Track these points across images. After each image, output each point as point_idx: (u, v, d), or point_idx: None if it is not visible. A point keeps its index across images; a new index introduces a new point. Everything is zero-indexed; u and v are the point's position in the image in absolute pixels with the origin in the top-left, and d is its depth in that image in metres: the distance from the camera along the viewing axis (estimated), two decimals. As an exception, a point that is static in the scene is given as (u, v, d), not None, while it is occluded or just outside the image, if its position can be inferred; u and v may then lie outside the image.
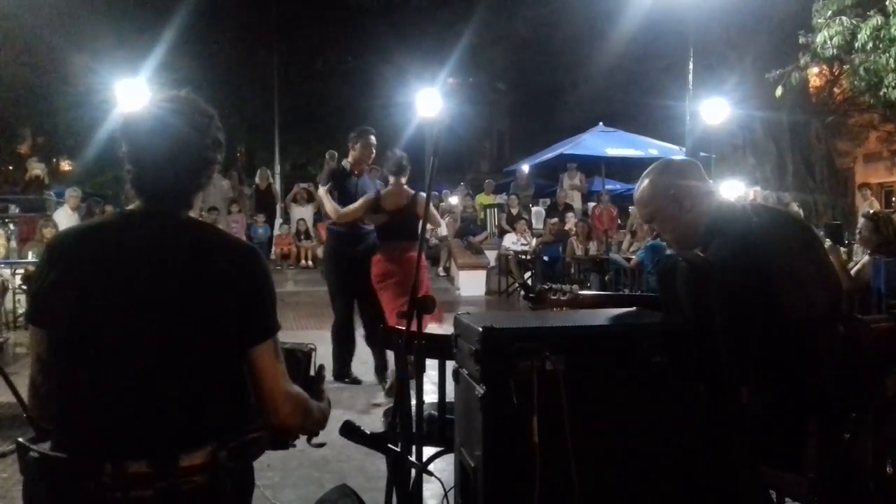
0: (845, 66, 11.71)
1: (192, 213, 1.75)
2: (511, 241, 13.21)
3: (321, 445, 1.98)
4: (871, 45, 9.71)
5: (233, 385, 1.65)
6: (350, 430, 2.14)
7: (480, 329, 1.89)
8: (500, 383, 1.84)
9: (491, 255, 13.75)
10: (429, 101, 14.47)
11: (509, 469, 1.86)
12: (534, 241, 13.14)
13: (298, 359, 1.94)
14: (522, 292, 2.76)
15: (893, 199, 20.44)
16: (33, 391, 1.66)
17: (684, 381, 1.96)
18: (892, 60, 9.85)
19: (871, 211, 6.98)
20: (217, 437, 1.57)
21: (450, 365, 2.32)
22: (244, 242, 1.80)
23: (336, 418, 1.96)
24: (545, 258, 12.48)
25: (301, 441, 1.94)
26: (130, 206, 1.71)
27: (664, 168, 2.51)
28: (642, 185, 2.50)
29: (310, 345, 2.00)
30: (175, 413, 1.57)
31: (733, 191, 13.41)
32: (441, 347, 2.43)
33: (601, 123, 15.01)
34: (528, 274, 12.64)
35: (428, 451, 2.78)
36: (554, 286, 2.78)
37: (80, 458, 1.51)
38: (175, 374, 1.57)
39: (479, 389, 1.89)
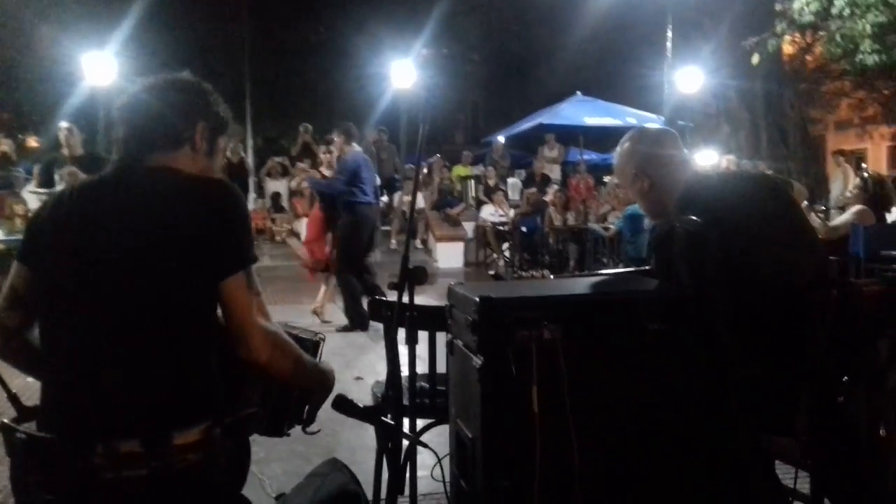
0: (820, 34, 11.73)
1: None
2: (489, 213, 13.18)
3: (316, 433, 1.94)
4: (848, 11, 9.73)
5: (225, 358, 1.59)
6: (343, 405, 2.11)
7: (477, 299, 1.86)
8: (499, 353, 1.82)
9: (468, 227, 13.71)
10: (403, 72, 14.31)
11: (509, 439, 1.85)
12: (511, 213, 13.11)
13: (307, 347, 1.89)
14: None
15: (863, 165, 20.63)
16: None
17: (682, 349, 1.95)
18: (868, 26, 9.91)
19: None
20: (211, 414, 1.52)
21: (440, 336, 2.29)
22: (212, 178, 1.72)
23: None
24: (523, 229, 12.46)
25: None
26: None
27: (637, 138, 2.51)
28: (617, 152, 2.51)
29: (319, 334, 1.97)
30: (165, 388, 1.51)
31: (707, 159, 13.43)
32: (432, 319, 2.40)
33: (578, 93, 14.91)
34: (505, 245, 12.63)
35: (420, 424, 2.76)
36: (524, 274, 2.78)
37: (69, 439, 1.46)
38: (159, 336, 1.52)
39: (477, 360, 1.86)
